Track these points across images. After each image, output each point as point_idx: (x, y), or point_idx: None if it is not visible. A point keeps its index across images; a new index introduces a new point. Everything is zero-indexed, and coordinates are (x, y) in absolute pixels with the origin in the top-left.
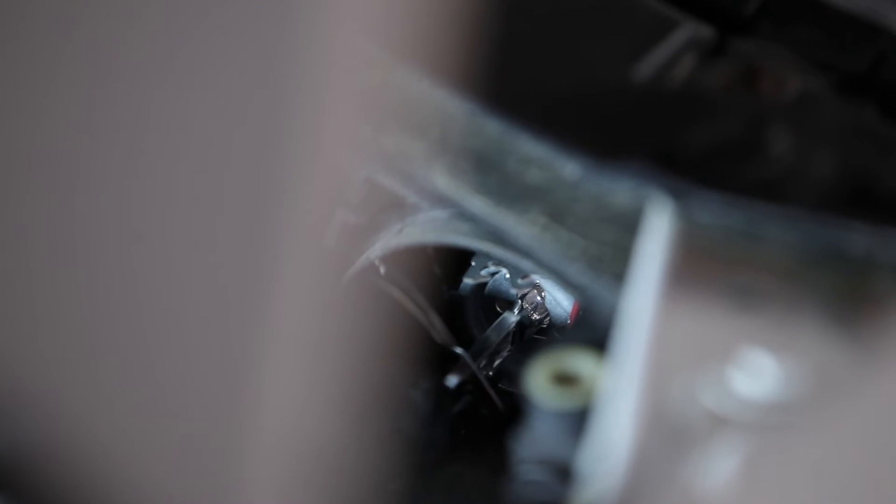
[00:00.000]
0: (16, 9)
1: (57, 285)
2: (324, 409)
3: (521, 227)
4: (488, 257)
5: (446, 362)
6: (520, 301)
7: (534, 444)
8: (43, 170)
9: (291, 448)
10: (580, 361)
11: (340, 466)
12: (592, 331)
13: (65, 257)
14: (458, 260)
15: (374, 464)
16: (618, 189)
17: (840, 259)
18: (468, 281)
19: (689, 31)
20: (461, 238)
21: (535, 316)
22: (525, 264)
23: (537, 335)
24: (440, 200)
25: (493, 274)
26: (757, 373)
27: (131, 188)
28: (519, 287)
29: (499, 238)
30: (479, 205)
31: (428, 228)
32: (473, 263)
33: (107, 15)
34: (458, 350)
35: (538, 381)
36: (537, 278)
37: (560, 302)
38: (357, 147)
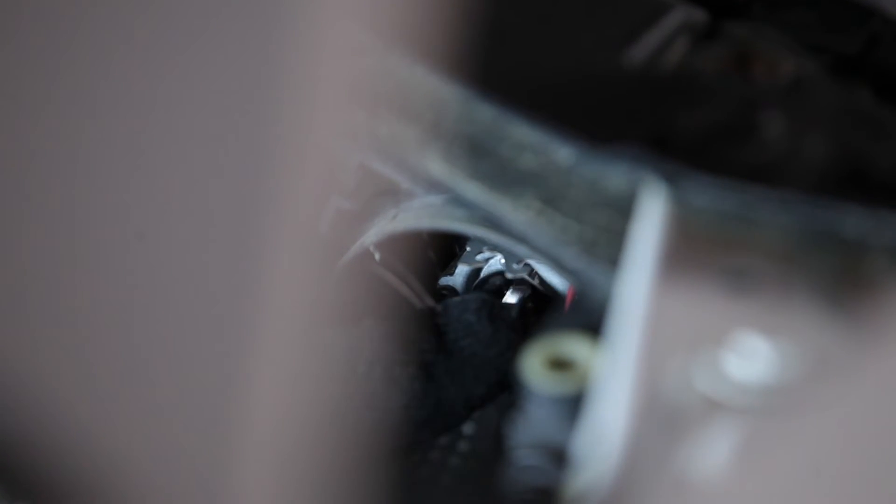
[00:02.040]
0: (15, 8)
1: (52, 280)
2: (318, 400)
3: (516, 212)
4: (483, 243)
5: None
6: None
7: (529, 428)
8: (41, 168)
9: (285, 442)
10: (575, 346)
11: (333, 461)
12: (587, 315)
13: (58, 250)
14: (453, 245)
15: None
16: (612, 173)
17: (835, 242)
18: (463, 266)
19: (681, 14)
20: (456, 224)
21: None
22: (520, 249)
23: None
24: (434, 186)
25: (487, 259)
26: (752, 356)
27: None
28: (514, 272)
29: (493, 223)
30: (474, 190)
31: (422, 214)
32: (468, 249)
33: (105, 11)
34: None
35: (533, 365)
36: (532, 263)
37: (555, 286)
38: (350, 133)
